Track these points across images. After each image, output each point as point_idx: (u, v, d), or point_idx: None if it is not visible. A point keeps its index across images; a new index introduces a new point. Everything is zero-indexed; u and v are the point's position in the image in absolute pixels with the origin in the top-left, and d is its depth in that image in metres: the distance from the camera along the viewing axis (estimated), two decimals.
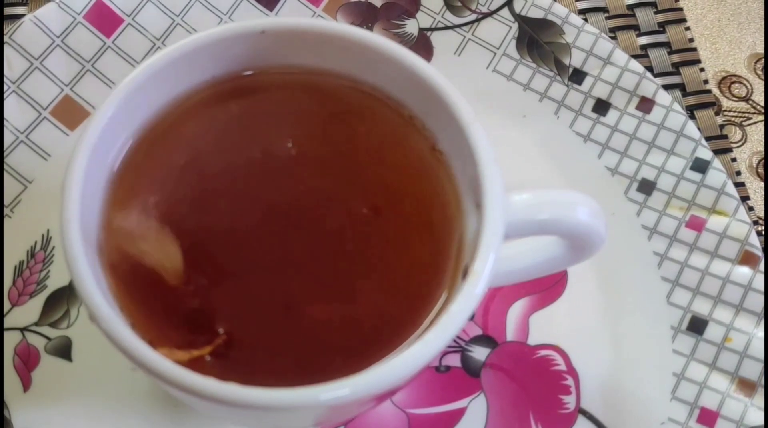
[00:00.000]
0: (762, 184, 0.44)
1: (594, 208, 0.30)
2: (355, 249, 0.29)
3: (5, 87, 0.39)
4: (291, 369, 0.28)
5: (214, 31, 0.30)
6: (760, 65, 0.47)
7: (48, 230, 0.38)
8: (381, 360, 0.27)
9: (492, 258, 0.27)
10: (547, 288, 0.39)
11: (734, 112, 0.46)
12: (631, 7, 0.47)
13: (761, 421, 0.36)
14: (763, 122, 0.45)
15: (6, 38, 0.40)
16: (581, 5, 0.47)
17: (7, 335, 0.37)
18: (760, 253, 0.38)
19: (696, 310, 0.38)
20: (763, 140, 0.45)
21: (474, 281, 0.27)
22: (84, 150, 0.28)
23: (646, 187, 0.40)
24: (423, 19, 0.43)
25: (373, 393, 0.26)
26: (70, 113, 0.40)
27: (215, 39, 0.30)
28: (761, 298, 0.37)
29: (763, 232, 0.42)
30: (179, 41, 0.30)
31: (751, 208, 0.43)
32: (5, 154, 0.39)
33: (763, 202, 0.43)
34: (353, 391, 0.26)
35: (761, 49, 0.47)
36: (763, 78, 0.46)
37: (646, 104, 0.41)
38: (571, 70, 0.42)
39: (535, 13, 0.43)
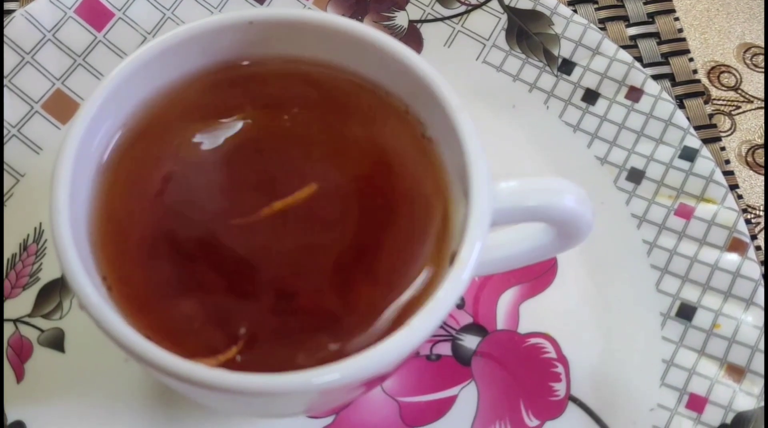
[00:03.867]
0: (751, 173, 0.44)
1: (580, 195, 0.30)
2: (343, 236, 0.30)
3: None
4: (280, 356, 0.28)
5: (202, 22, 0.30)
6: (749, 55, 0.47)
7: (40, 223, 0.38)
8: (370, 346, 0.27)
9: (479, 245, 0.28)
10: (537, 276, 0.39)
11: (723, 101, 0.46)
12: None
13: (750, 406, 0.36)
14: (751, 111, 0.45)
15: None
16: None
17: None
18: (748, 240, 0.38)
19: (685, 297, 0.38)
20: (752, 129, 0.45)
21: (460, 267, 0.27)
22: (72, 141, 0.28)
23: (635, 176, 0.40)
24: (413, 11, 0.43)
25: (362, 377, 0.27)
26: (62, 107, 0.40)
27: (203, 30, 0.30)
28: (750, 284, 0.38)
29: (757, 221, 0.43)
30: (167, 32, 0.30)
31: (740, 196, 0.43)
32: None
33: (752, 190, 0.43)
34: (343, 375, 0.26)
35: (750, 39, 0.47)
36: (752, 68, 0.46)
37: (634, 93, 0.41)
38: (560, 60, 0.42)
39: (524, 5, 0.43)
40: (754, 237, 0.42)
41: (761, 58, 0.47)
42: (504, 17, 0.43)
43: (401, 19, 0.43)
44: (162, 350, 0.26)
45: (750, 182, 0.44)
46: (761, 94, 0.46)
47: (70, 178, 0.28)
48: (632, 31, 0.47)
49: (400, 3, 0.43)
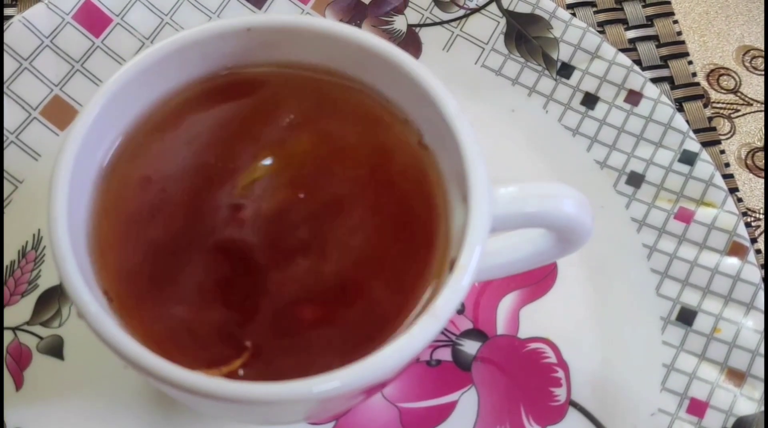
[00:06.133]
0: (751, 176, 0.44)
1: (580, 200, 0.30)
2: (343, 243, 0.30)
3: None
4: (280, 366, 0.28)
5: (199, 29, 0.30)
6: (749, 57, 0.47)
7: (39, 230, 0.38)
8: (370, 353, 0.27)
9: (478, 251, 0.28)
10: (537, 281, 0.39)
11: (722, 104, 0.46)
12: (619, 0, 0.47)
13: (750, 411, 0.36)
14: (751, 114, 0.45)
15: None
16: (570, 0, 0.47)
17: None
18: (748, 244, 0.38)
19: (685, 301, 0.38)
20: (752, 132, 0.45)
21: (460, 274, 0.27)
22: (71, 147, 0.28)
23: (635, 180, 0.40)
24: (411, 16, 0.43)
25: (363, 385, 0.27)
26: (60, 113, 0.40)
27: (201, 37, 0.30)
28: (750, 288, 0.38)
29: (757, 224, 0.43)
30: (165, 39, 0.30)
31: (740, 200, 0.43)
32: None
33: (752, 194, 0.43)
34: (343, 383, 0.26)
35: (749, 42, 0.47)
36: (751, 70, 0.46)
37: (634, 97, 0.41)
38: (559, 64, 0.42)
39: (523, 8, 0.43)
40: (754, 240, 0.42)
41: (761, 60, 0.47)
42: (503, 21, 0.43)
43: (400, 23, 0.43)
44: (160, 359, 0.26)
45: (750, 185, 0.44)
46: (761, 97, 0.46)
47: (69, 186, 0.28)
48: (631, 34, 0.46)
49: (398, 7, 0.43)
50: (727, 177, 0.43)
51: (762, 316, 0.37)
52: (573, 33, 0.42)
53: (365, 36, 0.31)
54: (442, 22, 0.43)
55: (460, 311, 0.38)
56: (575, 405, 0.37)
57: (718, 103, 0.46)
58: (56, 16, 0.41)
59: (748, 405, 0.36)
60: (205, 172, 0.31)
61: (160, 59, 0.30)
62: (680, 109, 0.45)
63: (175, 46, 0.30)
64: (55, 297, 0.37)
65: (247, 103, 0.32)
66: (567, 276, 0.39)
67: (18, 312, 0.37)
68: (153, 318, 0.28)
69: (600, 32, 0.46)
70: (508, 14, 0.43)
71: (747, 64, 0.47)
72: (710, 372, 0.37)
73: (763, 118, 0.45)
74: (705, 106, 0.45)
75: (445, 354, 0.37)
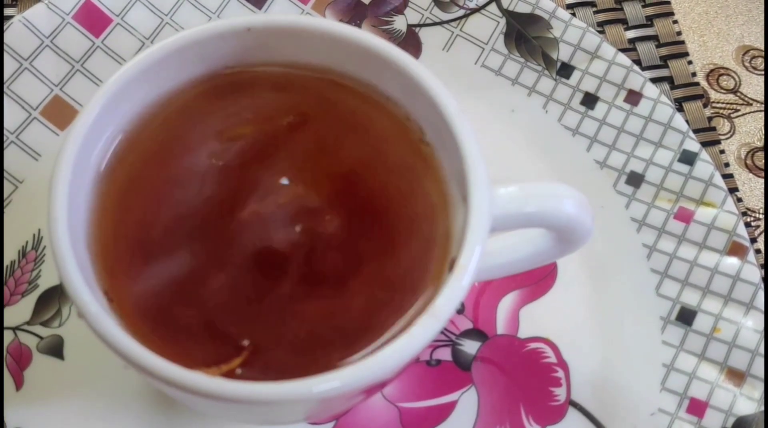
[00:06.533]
0: (751, 176, 0.44)
1: (580, 200, 0.30)
2: (342, 242, 0.30)
3: None
4: (280, 366, 0.28)
5: (199, 29, 0.30)
6: (748, 57, 0.47)
7: (39, 230, 0.38)
8: (370, 353, 0.27)
9: (478, 251, 0.28)
10: (537, 281, 0.39)
11: (722, 104, 0.46)
12: (618, 0, 0.47)
13: (750, 411, 0.36)
14: (751, 114, 0.45)
15: None
16: (569, 0, 0.47)
17: None
18: (748, 244, 0.38)
19: (685, 301, 0.38)
20: (752, 132, 0.45)
21: (460, 274, 0.27)
22: (71, 147, 0.28)
23: (635, 180, 0.40)
24: (411, 16, 0.43)
25: (362, 385, 0.27)
26: (60, 113, 0.40)
27: (201, 37, 0.30)
28: (750, 288, 0.38)
29: (756, 224, 0.43)
30: (165, 39, 0.30)
31: (740, 200, 0.43)
32: None
33: (751, 193, 0.43)
34: (343, 383, 0.26)
35: (749, 42, 0.47)
36: (751, 70, 0.46)
37: (633, 97, 0.41)
38: (559, 64, 0.42)
39: (523, 8, 0.43)
40: (753, 240, 0.42)
41: (760, 60, 0.47)
42: (502, 21, 0.43)
43: (400, 23, 0.43)
44: (160, 358, 0.26)
45: (749, 185, 0.44)
46: (760, 97, 0.46)
47: (69, 186, 0.28)
48: (631, 34, 0.47)
49: (398, 7, 0.43)
50: (727, 177, 0.43)
51: (762, 316, 0.37)
52: (573, 33, 0.42)
53: (365, 36, 0.31)
54: (442, 22, 0.43)
55: (460, 311, 0.38)
56: (575, 404, 0.37)
57: (718, 102, 0.46)
58: (56, 16, 0.41)
59: (747, 404, 0.36)
60: (204, 172, 0.31)
61: (160, 59, 0.30)
62: (680, 109, 0.45)
63: (175, 46, 0.30)
64: (55, 297, 0.37)
65: (247, 103, 0.32)
66: (567, 276, 0.39)
67: (18, 312, 0.37)
68: (153, 318, 0.28)
69: (600, 32, 0.46)
70: (508, 14, 0.43)
71: (747, 64, 0.47)
72: (710, 372, 0.37)
73: (763, 118, 0.46)
74: (705, 106, 0.45)
75: (445, 354, 0.37)
